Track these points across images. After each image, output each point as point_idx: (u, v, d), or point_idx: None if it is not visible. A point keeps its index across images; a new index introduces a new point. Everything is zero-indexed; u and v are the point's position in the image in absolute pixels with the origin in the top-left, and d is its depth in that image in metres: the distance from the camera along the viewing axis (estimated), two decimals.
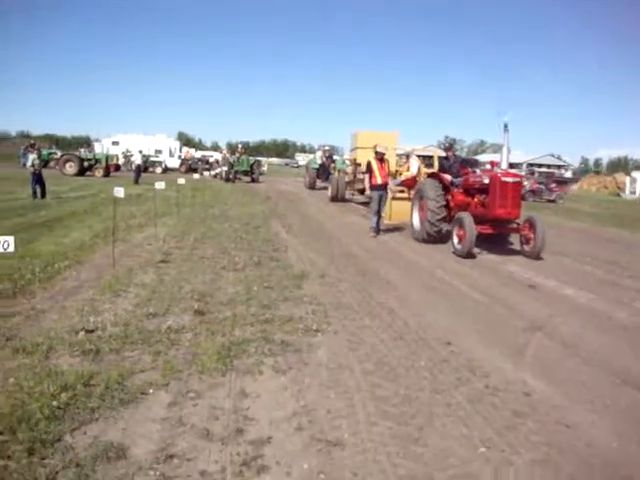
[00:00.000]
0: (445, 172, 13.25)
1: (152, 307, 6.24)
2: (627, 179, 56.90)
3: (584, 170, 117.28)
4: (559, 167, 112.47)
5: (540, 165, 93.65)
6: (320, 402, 4.14)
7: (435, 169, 16.08)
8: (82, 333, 5.23)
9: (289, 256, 10.03)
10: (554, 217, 22.68)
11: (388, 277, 8.82)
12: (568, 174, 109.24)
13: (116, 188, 8.52)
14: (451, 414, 4.07)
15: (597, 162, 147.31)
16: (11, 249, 4.68)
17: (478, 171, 12.60)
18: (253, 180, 36.34)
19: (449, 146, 14.55)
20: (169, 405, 3.96)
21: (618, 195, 52.90)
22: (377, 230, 13.80)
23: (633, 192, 52.35)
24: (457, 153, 14.11)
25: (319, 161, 30.90)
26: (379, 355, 5.20)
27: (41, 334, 5.18)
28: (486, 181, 11.61)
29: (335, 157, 31.74)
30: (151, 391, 4.15)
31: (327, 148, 32.17)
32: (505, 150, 12.19)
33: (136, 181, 28.78)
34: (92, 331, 5.32)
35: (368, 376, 4.68)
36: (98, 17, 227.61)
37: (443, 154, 20.25)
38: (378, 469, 3.28)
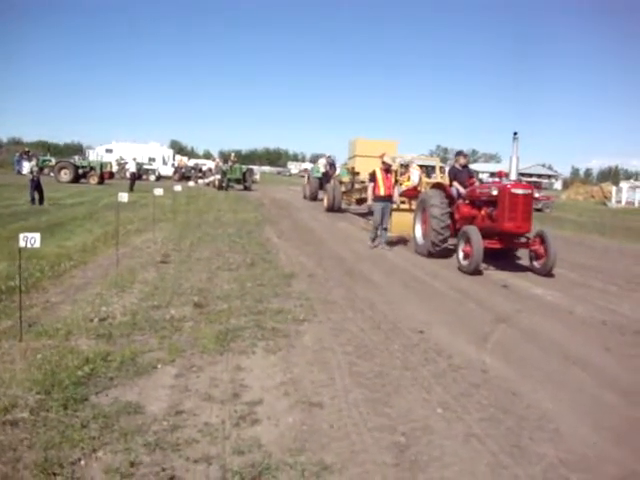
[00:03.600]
0: (458, 182, 12.56)
1: (155, 300, 6.93)
2: (613, 188, 57.89)
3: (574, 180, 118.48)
4: (549, 177, 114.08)
5: (531, 175, 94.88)
6: (305, 375, 4.84)
7: (438, 179, 15.78)
8: (96, 320, 5.91)
9: (280, 258, 10.72)
10: (539, 226, 23.36)
11: (372, 277, 9.53)
12: (558, 184, 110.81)
13: (120, 194, 9.26)
14: (416, 385, 4.78)
15: (587, 172, 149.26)
16: (37, 245, 5.35)
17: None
18: (246, 188, 36.98)
19: (465, 155, 13.41)
20: (176, 376, 4.66)
21: (604, 204, 53.82)
22: (375, 241, 13.37)
23: (619, 201, 53.26)
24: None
25: (322, 169, 28.13)
26: (358, 340, 5.90)
27: (59, 321, 5.86)
28: (494, 193, 10.92)
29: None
30: (160, 366, 4.84)
31: (329, 155, 29.40)
32: (514, 160, 11.35)
33: (131, 188, 29.22)
34: (104, 319, 6.01)
35: (347, 356, 5.39)
36: (90, 22, 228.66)
37: (441, 164, 20.13)
38: (351, 422, 3.98)
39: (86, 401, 4.02)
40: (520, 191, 10.75)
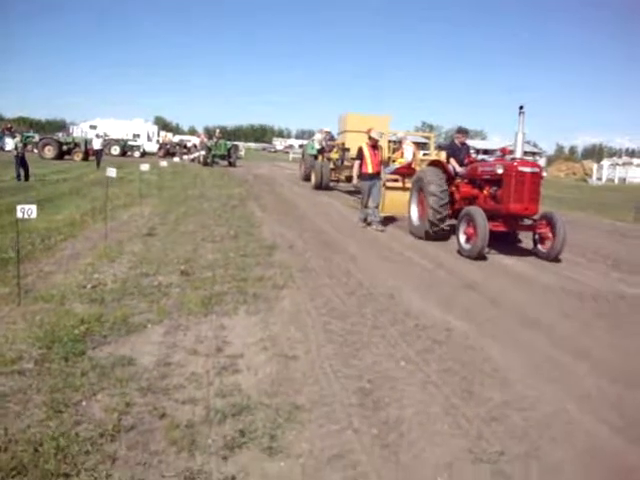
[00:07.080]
0: (456, 160, 11.91)
1: (144, 269, 7.36)
2: (594, 166, 58.78)
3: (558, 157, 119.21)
4: (533, 154, 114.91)
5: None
6: (282, 333, 5.32)
7: (433, 156, 15.19)
8: (88, 287, 6.34)
9: (263, 231, 11.16)
10: None
11: (349, 248, 10.00)
12: (542, 161, 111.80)
13: (108, 169, 9.60)
14: (383, 342, 5.27)
15: (572, 149, 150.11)
16: (34, 215, 5.74)
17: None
18: (230, 164, 37.09)
19: (467, 131, 12.79)
20: (164, 334, 5.12)
21: (585, 181, 54.65)
22: (367, 222, 12.98)
23: (599, 178, 54.20)
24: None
25: (317, 146, 25.17)
26: (333, 304, 6.38)
27: (54, 288, 6.28)
28: (499, 171, 10.21)
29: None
30: (149, 326, 5.30)
31: (327, 130, 25.89)
32: (520, 135, 10.51)
33: (97, 165, 28.16)
34: (96, 286, 6.44)
35: (322, 317, 5.87)
36: None
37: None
38: (322, 372, 4.47)
39: (84, 355, 4.46)
40: (528, 169, 10.07)
